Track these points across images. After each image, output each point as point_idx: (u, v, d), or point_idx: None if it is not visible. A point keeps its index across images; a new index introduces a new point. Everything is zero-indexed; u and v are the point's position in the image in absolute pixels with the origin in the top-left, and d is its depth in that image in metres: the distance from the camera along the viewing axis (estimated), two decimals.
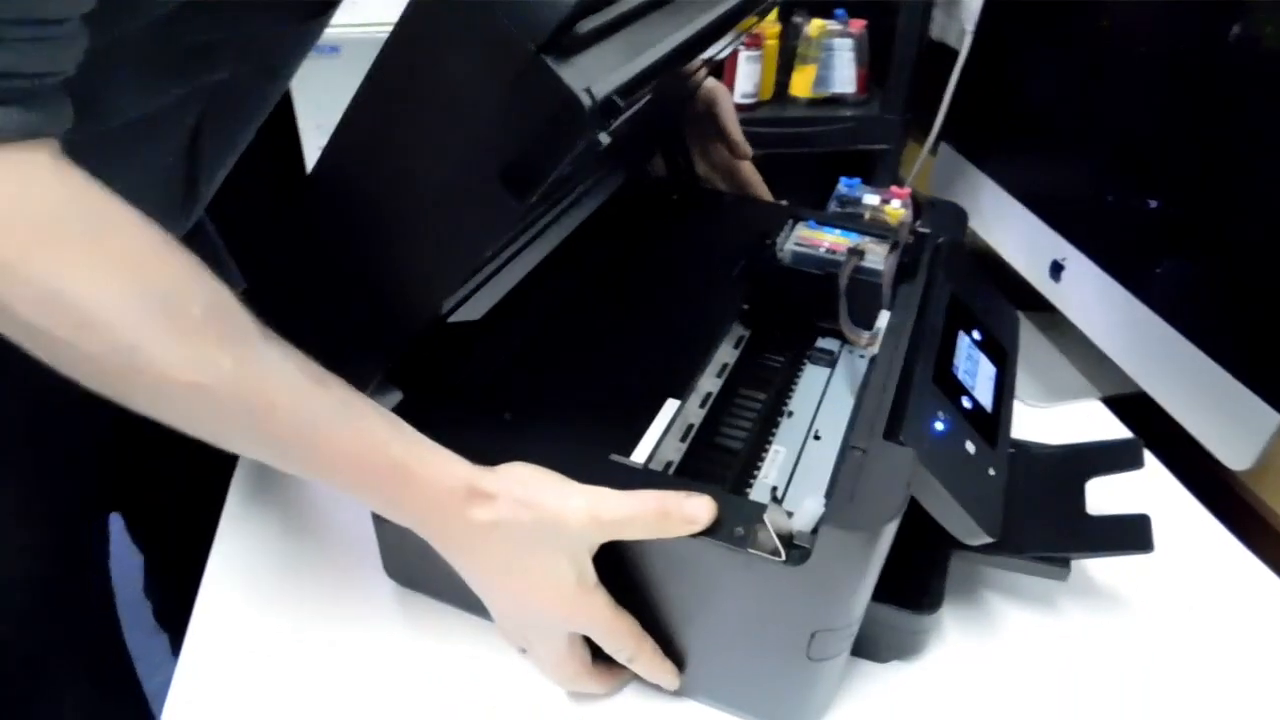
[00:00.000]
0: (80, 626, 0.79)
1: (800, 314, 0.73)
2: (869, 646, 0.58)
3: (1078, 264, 0.83)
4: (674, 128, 0.84)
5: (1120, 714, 0.57)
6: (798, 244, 0.75)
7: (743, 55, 1.15)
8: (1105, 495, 0.61)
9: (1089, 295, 0.83)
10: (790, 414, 0.64)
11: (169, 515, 0.99)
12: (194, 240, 0.39)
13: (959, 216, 0.73)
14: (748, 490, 0.57)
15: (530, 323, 0.63)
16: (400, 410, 0.53)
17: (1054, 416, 0.84)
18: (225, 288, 0.40)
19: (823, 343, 0.72)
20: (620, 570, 0.51)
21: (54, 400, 0.48)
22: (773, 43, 1.18)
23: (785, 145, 1.20)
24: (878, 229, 0.78)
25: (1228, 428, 0.68)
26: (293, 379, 0.41)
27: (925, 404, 0.53)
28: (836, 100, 1.22)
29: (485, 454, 0.48)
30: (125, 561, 1.63)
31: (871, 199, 0.93)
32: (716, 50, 0.63)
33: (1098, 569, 0.67)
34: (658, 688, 0.56)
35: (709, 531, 0.45)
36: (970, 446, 0.54)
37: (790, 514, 0.46)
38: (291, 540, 0.67)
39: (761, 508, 0.46)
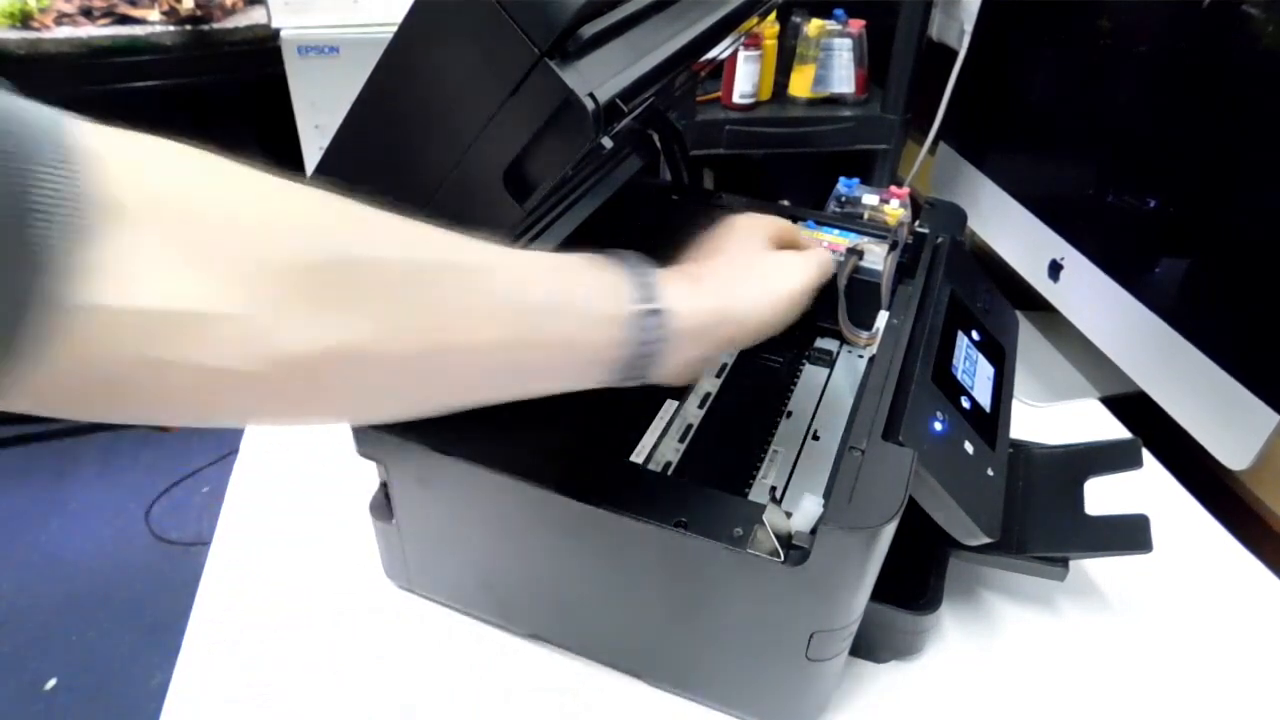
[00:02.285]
0: None
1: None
2: (868, 646, 0.58)
3: (1076, 264, 0.83)
4: (674, 128, 0.84)
5: (1119, 714, 0.57)
6: None
7: (741, 55, 1.15)
8: (1104, 495, 0.61)
9: (1088, 295, 0.83)
10: (789, 414, 0.64)
11: None
12: None
13: (958, 216, 0.73)
14: (746, 491, 0.57)
15: None
16: None
17: (1053, 416, 0.84)
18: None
19: (821, 343, 0.72)
20: (622, 569, 0.51)
21: None
22: (771, 43, 1.18)
23: (784, 145, 1.20)
24: (876, 229, 0.78)
25: (1226, 427, 0.68)
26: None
27: (924, 404, 0.53)
28: (835, 100, 1.22)
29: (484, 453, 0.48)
30: (125, 560, 1.63)
31: (870, 199, 0.94)
32: (717, 51, 0.63)
33: (1097, 569, 0.67)
34: (655, 689, 0.56)
35: (708, 532, 0.46)
36: (969, 447, 0.54)
37: (789, 514, 0.46)
38: (291, 541, 0.67)
39: (760, 508, 0.46)
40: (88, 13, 1.40)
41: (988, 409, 0.60)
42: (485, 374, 0.37)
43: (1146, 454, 0.64)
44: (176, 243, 0.27)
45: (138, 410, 0.30)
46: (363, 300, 0.31)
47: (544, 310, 0.37)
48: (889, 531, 0.44)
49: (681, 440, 0.59)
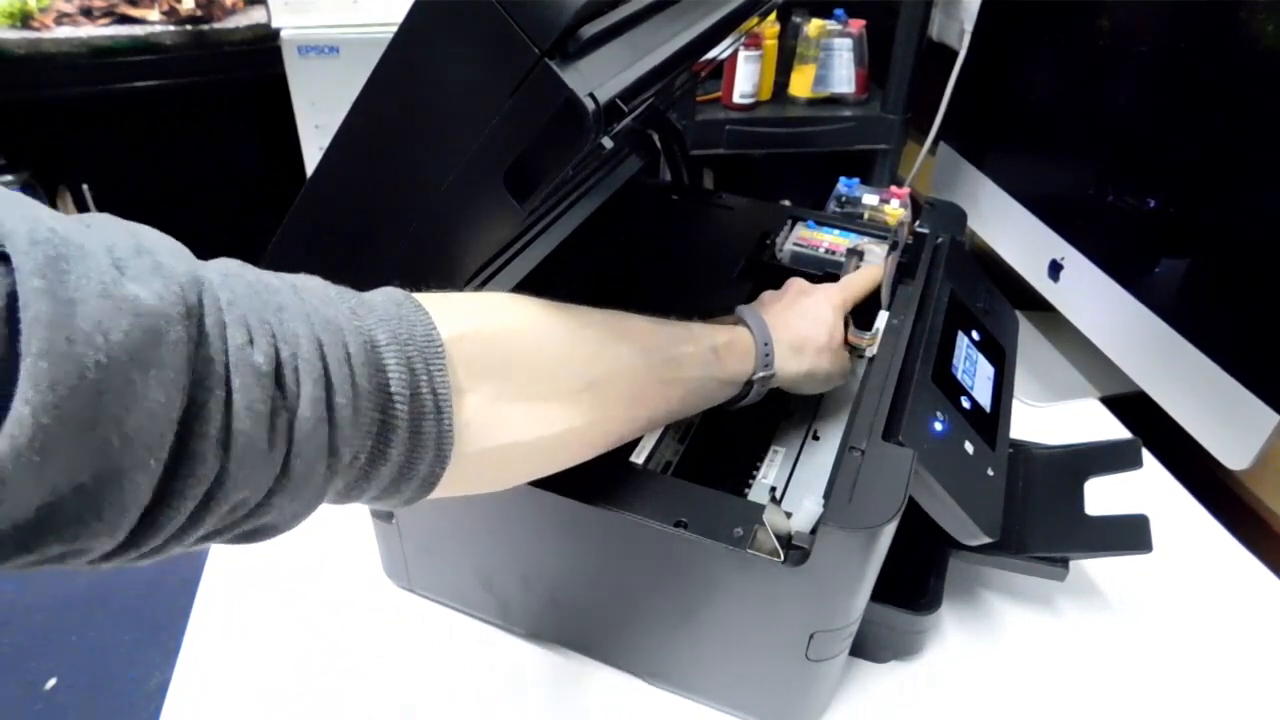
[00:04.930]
0: None
1: None
2: (868, 647, 0.58)
3: (1076, 264, 0.83)
4: (674, 128, 0.84)
5: (1119, 714, 0.57)
6: (797, 244, 0.75)
7: (742, 55, 1.15)
8: (1104, 495, 0.61)
9: (1088, 295, 0.83)
10: (789, 414, 0.64)
11: None
12: None
13: (958, 216, 0.73)
14: (746, 491, 0.57)
15: None
16: None
17: (1053, 416, 0.84)
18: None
19: None
20: (622, 569, 0.51)
21: None
22: (772, 43, 1.18)
23: (784, 145, 1.20)
24: (877, 229, 0.78)
25: (1226, 427, 0.68)
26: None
27: (924, 404, 0.53)
28: (836, 100, 1.22)
29: None
30: None
31: (870, 199, 0.94)
32: (717, 51, 0.63)
33: (1097, 569, 0.67)
34: (655, 689, 0.56)
35: (708, 532, 0.46)
36: (969, 447, 0.54)
37: (789, 515, 0.46)
38: (291, 540, 0.67)
39: (760, 508, 0.46)
40: (88, 13, 1.40)
41: (988, 409, 0.60)
42: (657, 422, 0.50)
43: (1146, 454, 0.64)
44: (499, 396, 0.38)
45: (489, 487, 0.42)
46: (611, 397, 0.44)
47: (711, 381, 0.51)
48: (889, 531, 0.44)
49: (681, 440, 0.59)
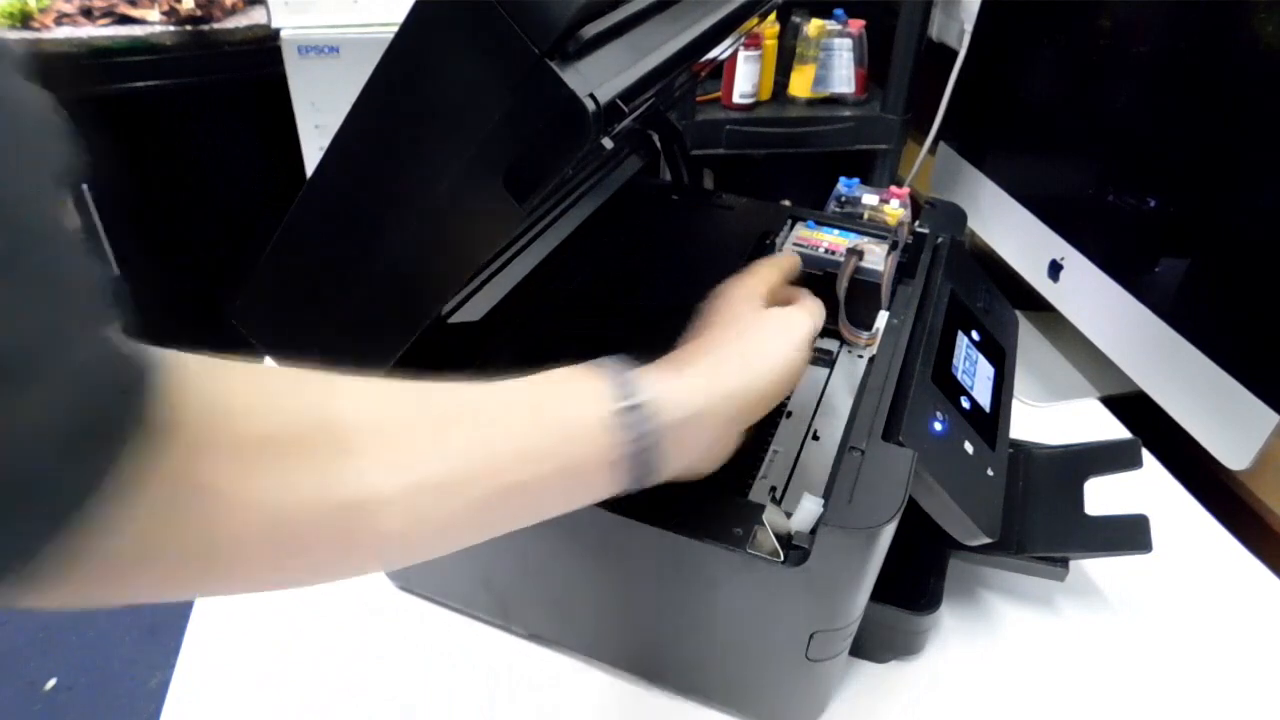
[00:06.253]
0: None
1: None
2: (868, 646, 0.58)
3: (1076, 264, 0.83)
4: (674, 128, 0.84)
5: (1119, 714, 0.57)
6: (796, 244, 0.75)
7: (742, 55, 1.15)
8: (1104, 495, 0.61)
9: (1088, 295, 0.83)
10: (789, 414, 0.64)
11: None
12: None
13: (958, 216, 0.73)
14: (746, 491, 0.57)
15: (530, 323, 0.64)
16: None
17: (1053, 416, 0.84)
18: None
19: (821, 343, 0.71)
20: (621, 569, 0.51)
21: None
22: (771, 43, 1.18)
23: (784, 145, 1.20)
24: (876, 229, 0.78)
25: (1226, 427, 0.68)
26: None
27: (924, 404, 0.53)
28: (835, 100, 1.22)
29: None
30: None
31: (870, 199, 0.94)
32: (717, 51, 0.63)
33: (1096, 569, 0.67)
34: (655, 689, 0.56)
35: (708, 532, 0.46)
36: (969, 447, 0.54)
37: (789, 514, 0.46)
38: None
39: (760, 508, 0.46)
40: (88, 13, 1.39)
41: (988, 409, 0.60)
42: (498, 518, 0.37)
43: (1146, 454, 0.64)
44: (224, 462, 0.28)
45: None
46: (375, 456, 0.32)
47: (541, 451, 0.37)
48: (889, 531, 0.44)
49: None
